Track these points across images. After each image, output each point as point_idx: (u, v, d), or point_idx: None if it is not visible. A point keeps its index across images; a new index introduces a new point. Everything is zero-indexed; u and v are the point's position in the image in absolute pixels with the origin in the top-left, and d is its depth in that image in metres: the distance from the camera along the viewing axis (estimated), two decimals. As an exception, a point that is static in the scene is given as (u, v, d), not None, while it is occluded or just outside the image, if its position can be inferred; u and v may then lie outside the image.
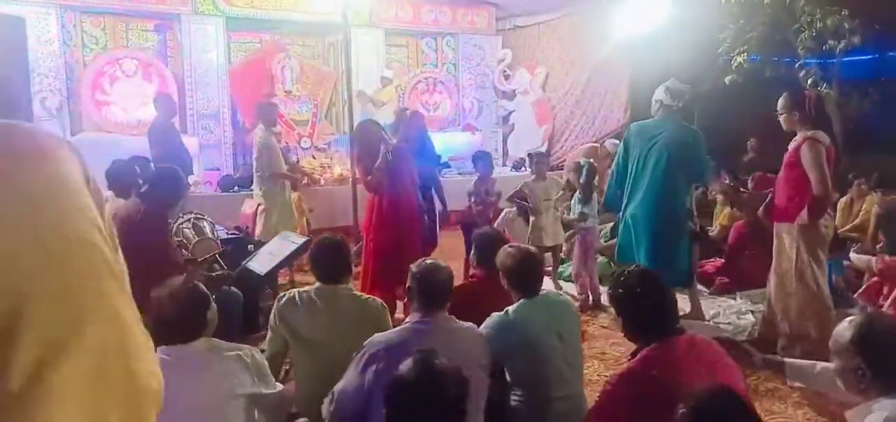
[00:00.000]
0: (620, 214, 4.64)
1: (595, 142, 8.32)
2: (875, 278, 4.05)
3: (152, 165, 5.05)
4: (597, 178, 5.27)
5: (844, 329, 1.77)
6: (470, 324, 2.45)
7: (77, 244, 0.81)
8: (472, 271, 3.43)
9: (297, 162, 7.62)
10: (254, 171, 5.82)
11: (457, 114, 10.38)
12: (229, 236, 4.89)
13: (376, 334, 2.37)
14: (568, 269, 5.48)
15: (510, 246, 2.79)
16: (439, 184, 5.49)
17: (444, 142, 8.58)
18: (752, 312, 4.64)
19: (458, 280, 3.06)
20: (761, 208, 3.95)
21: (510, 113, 10.71)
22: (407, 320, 2.48)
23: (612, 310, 4.64)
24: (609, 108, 9.48)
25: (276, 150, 5.84)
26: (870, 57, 10.62)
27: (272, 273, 4.29)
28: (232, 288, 3.83)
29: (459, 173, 8.74)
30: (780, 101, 3.67)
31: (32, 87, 6.66)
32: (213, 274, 3.82)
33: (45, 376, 0.74)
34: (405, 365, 1.74)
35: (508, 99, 10.68)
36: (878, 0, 8.01)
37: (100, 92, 7.62)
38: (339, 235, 3.04)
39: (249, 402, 2.14)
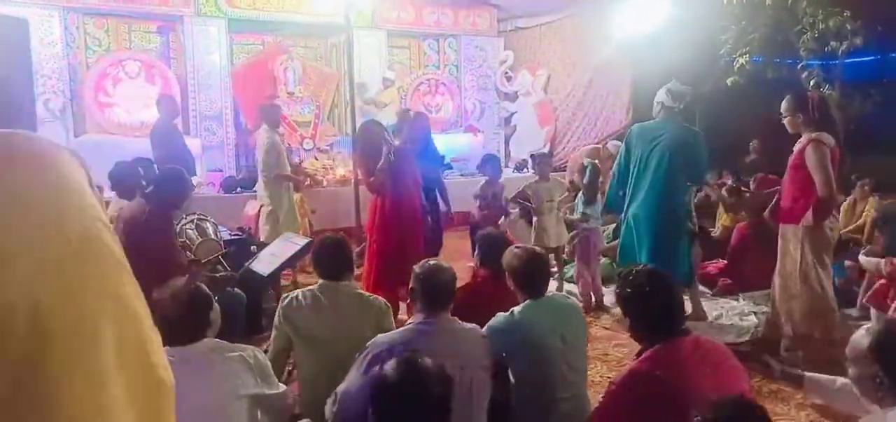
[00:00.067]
0: (622, 214, 4.65)
1: (597, 143, 8.32)
2: (882, 281, 4.03)
3: (155, 166, 5.06)
4: (601, 178, 5.26)
5: (862, 337, 1.76)
6: (473, 325, 2.45)
7: (78, 243, 0.80)
8: (475, 272, 3.43)
9: (300, 163, 7.63)
10: (259, 172, 5.82)
11: (459, 115, 10.38)
12: (232, 238, 4.90)
13: (379, 335, 2.39)
14: (571, 270, 5.47)
15: (517, 247, 2.78)
16: (443, 185, 5.48)
17: (446, 143, 8.57)
18: (755, 313, 4.63)
19: (464, 283, 3.06)
20: (767, 210, 3.94)
21: (512, 114, 10.70)
22: (410, 320, 2.49)
23: (614, 311, 4.69)
24: (611, 109, 9.48)
25: (282, 151, 5.86)
26: (872, 58, 10.59)
27: (275, 274, 4.30)
28: (235, 289, 3.84)
29: (462, 175, 8.75)
30: (784, 104, 3.67)
31: (36, 88, 6.67)
32: (217, 275, 3.82)
33: (55, 373, 0.73)
34: (389, 365, 1.75)
35: (510, 100, 10.68)
36: (880, 1, 8.00)
37: (103, 94, 7.64)
38: (341, 234, 3.07)
39: (253, 403, 2.15)
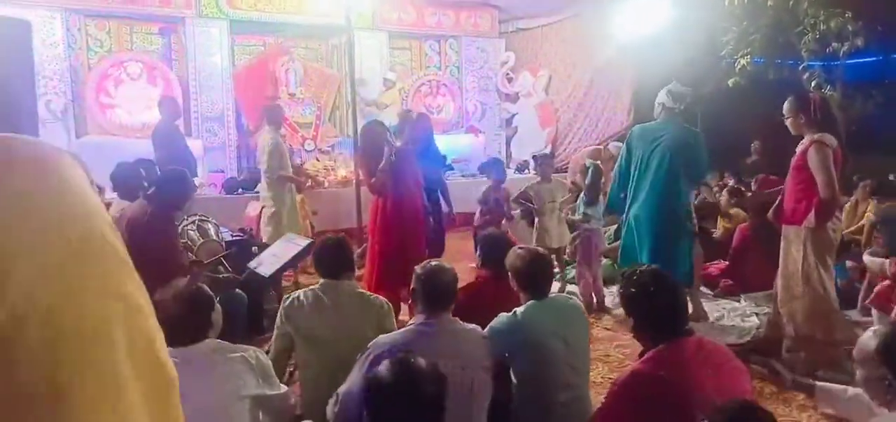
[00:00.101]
0: (623, 215, 4.65)
1: (598, 144, 8.32)
2: (887, 282, 4.02)
3: (157, 168, 5.06)
4: (603, 179, 5.26)
5: (869, 339, 1.76)
6: (474, 326, 2.45)
7: (78, 244, 0.80)
8: (477, 272, 3.43)
9: (302, 165, 7.63)
10: (263, 173, 5.83)
11: (460, 116, 10.38)
12: (233, 238, 4.90)
13: (381, 336, 2.39)
14: (573, 271, 5.47)
15: (520, 247, 2.79)
16: (445, 186, 5.48)
17: (447, 144, 8.57)
18: (757, 314, 4.62)
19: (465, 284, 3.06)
20: (771, 211, 3.94)
21: (513, 115, 10.71)
22: (411, 321, 2.49)
23: (615, 312, 4.69)
24: (612, 110, 9.48)
25: (285, 152, 5.87)
26: (873, 59, 10.58)
27: (276, 275, 4.30)
28: (236, 290, 3.85)
29: (463, 176, 8.75)
30: (786, 105, 3.67)
31: (37, 90, 6.68)
32: (219, 276, 3.83)
33: (66, 380, 0.73)
34: (383, 365, 1.76)
35: (511, 101, 10.69)
36: (881, 2, 7.99)
37: (104, 95, 7.65)
38: (341, 234, 3.10)
39: (254, 403, 2.15)
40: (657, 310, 2.01)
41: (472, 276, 4.74)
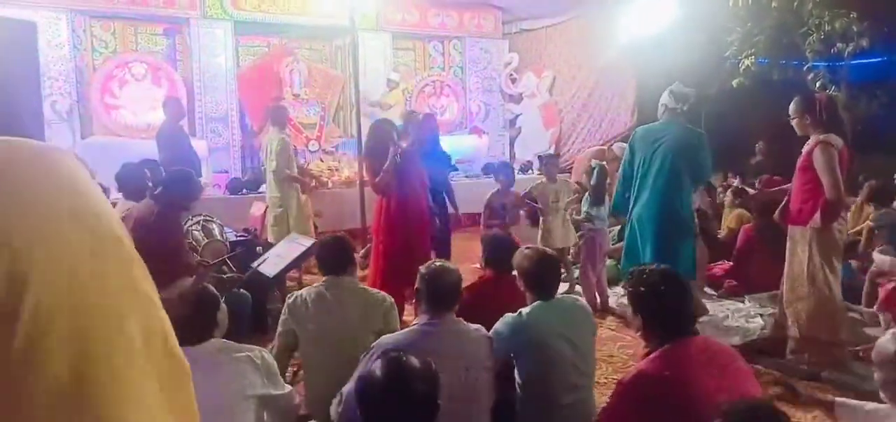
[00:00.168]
0: (628, 216, 4.64)
1: (602, 145, 8.31)
2: (891, 286, 4.00)
3: (161, 168, 5.08)
4: (608, 180, 5.25)
5: (888, 342, 1.77)
6: (478, 326, 2.45)
7: (94, 238, 0.81)
8: (481, 272, 3.43)
9: (306, 165, 7.65)
10: (270, 173, 5.84)
11: (464, 117, 10.39)
12: (238, 239, 4.91)
13: (384, 336, 2.40)
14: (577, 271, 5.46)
15: (527, 247, 2.78)
16: (450, 187, 5.48)
17: (451, 145, 8.54)
18: (762, 315, 4.61)
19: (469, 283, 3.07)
20: (777, 211, 3.93)
21: (517, 116, 10.71)
22: (415, 321, 2.49)
23: (619, 312, 4.68)
24: (616, 111, 9.47)
25: (292, 152, 5.89)
26: (878, 59, 10.54)
27: (280, 275, 4.31)
28: (241, 290, 3.86)
29: (466, 176, 8.75)
30: (792, 106, 3.66)
31: (43, 90, 6.71)
32: (224, 276, 3.84)
33: (92, 371, 0.73)
34: (376, 364, 1.76)
35: (515, 102, 10.68)
36: (886, 2, 7.97)
37: (109, 96, 7.68)
38: (343, 234, 3.14)
39: (259, 403, 2.15)
40: (666, 309, 2.00)
41: (476, 277, 4.75)
